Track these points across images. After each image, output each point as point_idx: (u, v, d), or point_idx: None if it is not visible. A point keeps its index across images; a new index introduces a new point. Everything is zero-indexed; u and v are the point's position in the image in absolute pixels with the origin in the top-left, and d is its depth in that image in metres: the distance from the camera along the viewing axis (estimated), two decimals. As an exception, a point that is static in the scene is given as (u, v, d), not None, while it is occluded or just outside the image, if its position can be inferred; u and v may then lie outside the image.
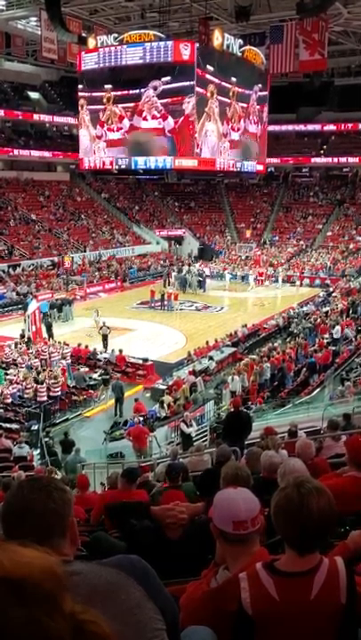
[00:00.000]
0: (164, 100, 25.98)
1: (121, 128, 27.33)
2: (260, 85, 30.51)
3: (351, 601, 1.59)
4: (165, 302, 30.14)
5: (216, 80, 26.52)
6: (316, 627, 1.59)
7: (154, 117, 26.32)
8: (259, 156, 32.11)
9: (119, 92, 27.08)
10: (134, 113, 26.75)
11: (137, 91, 26.41)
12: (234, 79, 27.87)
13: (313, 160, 50.21)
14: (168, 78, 25.69)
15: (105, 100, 27.33)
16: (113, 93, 27.13)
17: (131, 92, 26.71)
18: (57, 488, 1.28)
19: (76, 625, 0.72)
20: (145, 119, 26.54)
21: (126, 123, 27.12)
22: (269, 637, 1.60)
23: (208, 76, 26.15)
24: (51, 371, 18.32)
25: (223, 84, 27.18)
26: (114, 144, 27.73)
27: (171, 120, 26.04)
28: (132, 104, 26.83)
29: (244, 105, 29.67)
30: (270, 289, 36.15)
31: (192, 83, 25.38)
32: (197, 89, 25.54)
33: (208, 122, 26.67)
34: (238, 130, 29.15)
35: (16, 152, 43.63)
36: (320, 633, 1.59)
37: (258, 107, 30.96)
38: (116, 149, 27.79)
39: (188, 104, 25.60)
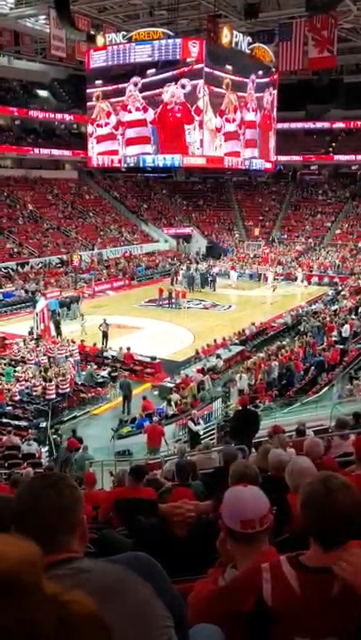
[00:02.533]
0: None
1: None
2: (259, 72, 29.99)
3: None
4: (173, 300, 30.14)
5: (208, 69, 26.21)
6: (335, 623, 1.58)
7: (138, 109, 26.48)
8: (261, 146, 31.70)
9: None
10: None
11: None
12: (229, 67, 27.33)
13: (321, 158, 49.99)
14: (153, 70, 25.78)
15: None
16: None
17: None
18: (67, 485, 1.28)
19: (61, 608, 0.73)
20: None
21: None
22: (287, 631, 1.59)
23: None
24: (58, 368, 18.38)
25: (217, 72, 26.71)
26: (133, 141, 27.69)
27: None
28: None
29: (243, 94, 29.10)
30: (282, 287, 35.92)
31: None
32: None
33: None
34: (234, 121, 28.66)
35: (36, 150, 43.82)
36: (338, 629, 1.59)
37: (256, 94, 30.39)
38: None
39: (167, 94, 25.55)
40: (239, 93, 28.00)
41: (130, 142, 27.57)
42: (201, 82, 25.38)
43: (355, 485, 1.72)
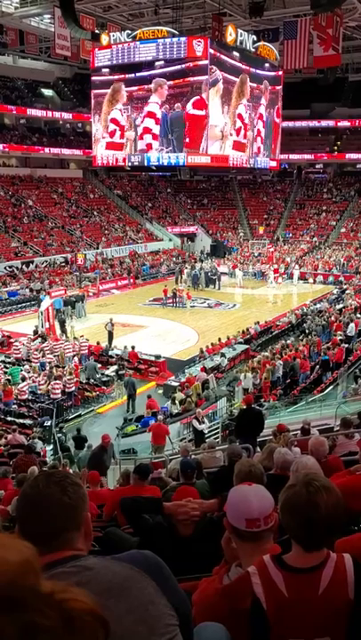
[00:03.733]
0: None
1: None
2: (265, 65, 29.68)
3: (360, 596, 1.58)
4: (177, 299, 30.15)
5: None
6: (325, 622, 1.59)
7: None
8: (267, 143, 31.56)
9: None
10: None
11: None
12: (236, 54, 27.07)
13: (326, 156, 49.88)
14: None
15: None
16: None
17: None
18: (72, 483, 1.28)
19: (60, 608, 0.73)
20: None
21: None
22: (280, 633, 1.59)
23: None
24: (63, 367, 18.41)
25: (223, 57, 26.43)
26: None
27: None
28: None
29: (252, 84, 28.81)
30: (284, 286, 35.96)
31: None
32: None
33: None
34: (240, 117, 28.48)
35: (45, 150, 43.83)
36: (329, 629, 1.59)
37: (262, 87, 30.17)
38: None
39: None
40: (250, 84, 27.80)
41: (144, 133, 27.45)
42: (206, 77, 25.26)
43: (336, 488, 1.71)
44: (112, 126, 28.13)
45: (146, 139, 27.18)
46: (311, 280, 37.20)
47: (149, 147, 27.13)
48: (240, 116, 28.05)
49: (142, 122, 27.06)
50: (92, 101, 29.16)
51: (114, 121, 27.98)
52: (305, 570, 1.62)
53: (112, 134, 28.25)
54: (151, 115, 26.73)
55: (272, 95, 30.80)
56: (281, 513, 1.72)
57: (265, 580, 1.63)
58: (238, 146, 28.28)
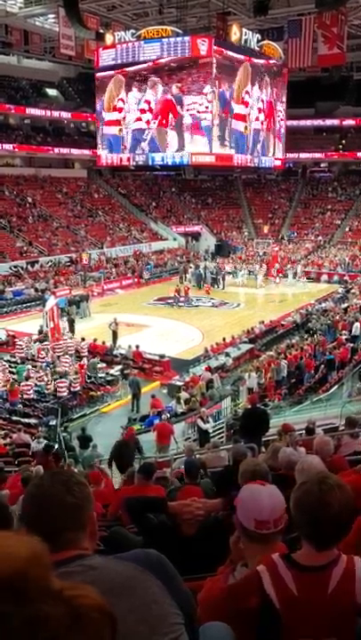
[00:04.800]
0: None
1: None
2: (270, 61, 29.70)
3: None
4: (183, 297, 30.17)
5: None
6: (333, 623, 1.58)
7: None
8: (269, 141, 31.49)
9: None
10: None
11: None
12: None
13: (331, 155, 49.78)
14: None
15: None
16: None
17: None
18: (77, 482, 1.29)
19: (69, 604, 0.74)
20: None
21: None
22: (289, 632, 1.59)
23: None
24: (72, 366, 18.48)
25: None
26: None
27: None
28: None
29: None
30: (281, 286, 35.73)
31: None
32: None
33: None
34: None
35: (54, 150, 43.83)
36: (337, 629, 1.58)
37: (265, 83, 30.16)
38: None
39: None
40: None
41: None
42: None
43: (348, 486, 1.70)
44: (119, 104, 28.08)
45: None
46: (309, 279, 37.02)
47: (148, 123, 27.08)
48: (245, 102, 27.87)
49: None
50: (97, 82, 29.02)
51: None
52: (315, 568, 1.62)
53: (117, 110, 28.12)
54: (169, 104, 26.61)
55: (275, 88, 30.62)
56: (293, 511, 1.71)
57: (275, 579, 1.62)
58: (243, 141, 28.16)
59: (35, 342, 21.21)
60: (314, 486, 1.66)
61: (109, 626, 0.77)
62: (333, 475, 1.82)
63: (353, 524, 1.67)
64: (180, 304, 29.77)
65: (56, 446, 13.00)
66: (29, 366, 18.74)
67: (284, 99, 32.15)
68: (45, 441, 13.40)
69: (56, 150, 45.31)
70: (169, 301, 30.18)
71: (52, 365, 18.82)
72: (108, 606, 0.78)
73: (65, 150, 46.01)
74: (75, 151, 46.62)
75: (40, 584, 0.72)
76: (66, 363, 18.91)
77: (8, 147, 42.48)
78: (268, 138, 30.83)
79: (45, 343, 21.05)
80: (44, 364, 19.10)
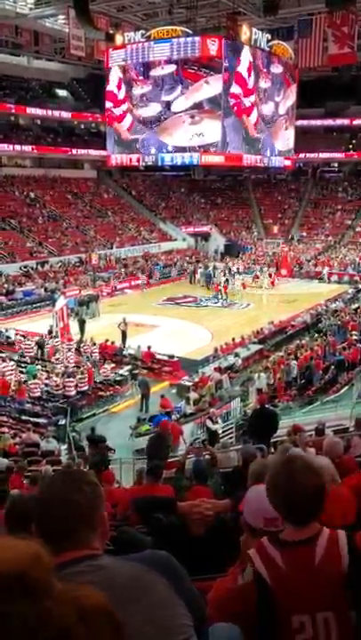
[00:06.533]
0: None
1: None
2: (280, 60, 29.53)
3: (355, 567, 1.65)
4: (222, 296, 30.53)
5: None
6: (324, 595, 1.64)
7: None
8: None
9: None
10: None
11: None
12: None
13: (341, 155, 49.56)
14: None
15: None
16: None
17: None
18: (88, 482, 1.29)
19: (72, 602, 0.75)
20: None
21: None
22: (283, 609, 1.64)
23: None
24: (78, 366, 18.52)
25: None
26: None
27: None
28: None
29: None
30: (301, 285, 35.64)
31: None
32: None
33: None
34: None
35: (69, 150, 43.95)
36: (330, 603, 1.64)
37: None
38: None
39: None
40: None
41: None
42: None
43: (316, 467, 1.80)
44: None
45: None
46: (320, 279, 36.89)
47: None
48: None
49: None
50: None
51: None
52: (298, 543, 1.69)
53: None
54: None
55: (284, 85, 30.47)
56: (267, 492, 1.80)
57: (264, 559, 1.69)
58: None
59: (49, 341, 21.30)
60: (281, 468, 1.76)
61: (113, 625, 0.78)
62: (304, 456, 1.91)
63: (324, 501, 1.75)
64: (225, 305, 29.89)
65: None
66: (39, 366, 18.83)
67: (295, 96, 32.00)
68: (54, 440, 13.45)
69: (68, 151, 45.46)
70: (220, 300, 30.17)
71: (60, 365, 18.87)
72: (110, 606, 0.79)
73: (75, 151, 46.15)
74: (84, 151, 46.75)
75: (43, 584, 0.73)
76: (71, 362, 19.01)
77: (22, 147, 42.70)
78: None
79: (56, 342, 21.12)
80: (55, 363, 19.17)
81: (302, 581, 1.63)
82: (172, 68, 26.12)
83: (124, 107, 28.23)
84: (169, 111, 26.76)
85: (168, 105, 26.75)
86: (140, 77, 27.10)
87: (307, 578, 1.64)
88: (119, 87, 28.24)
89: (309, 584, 1.63)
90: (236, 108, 26.47)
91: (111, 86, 28.40)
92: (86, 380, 17.78)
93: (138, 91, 27.58)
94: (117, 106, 28.57)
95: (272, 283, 34.50)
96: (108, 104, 28.75)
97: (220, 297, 31.02)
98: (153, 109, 27.28)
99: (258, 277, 35.24)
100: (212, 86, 25.45)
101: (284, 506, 1.72)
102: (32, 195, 42.20)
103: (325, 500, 1.76)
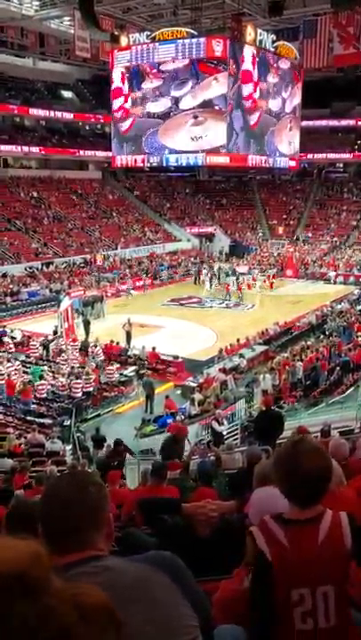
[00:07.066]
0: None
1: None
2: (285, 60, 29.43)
3: (358, 543, 1.71)
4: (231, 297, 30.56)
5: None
6: (326, 571, 1.68)
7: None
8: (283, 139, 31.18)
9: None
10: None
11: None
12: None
13: (347, 155, 49.48)
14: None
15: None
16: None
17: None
18: (94, 483, 1.29)
19: (72, 600, 0.75)
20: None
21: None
22: (284, 584, 1.67)
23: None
24: (83, 367, 18.54)
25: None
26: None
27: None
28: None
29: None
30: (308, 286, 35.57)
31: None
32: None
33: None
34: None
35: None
36: (331, 577, 1.69)
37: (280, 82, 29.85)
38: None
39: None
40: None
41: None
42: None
43: (324, 451, 1.83)
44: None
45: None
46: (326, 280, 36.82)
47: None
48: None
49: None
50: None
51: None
52: (302, 522, 1.72)
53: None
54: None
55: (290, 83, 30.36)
56: (272, 469, 1.84)
57: (267, 535, 1.72)
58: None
59: (41, 345, 21.33)
60: (289, 449, 1.79)
61: (114, 623, 0.78)
62: (312, 439, 1.94)
63: (329, 483, 1.78)
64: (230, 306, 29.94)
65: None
66: (46, 367, 18.86)
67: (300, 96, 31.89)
68: (59, 441, 13.47)
69: (73, 152, 45.57)
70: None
71: (66, 366, 18.90)
72: (111, 604, 0.79)
73: (80, 152, 46.25)
74: (89, 152, 46.85)
75: (43, 584, 0.74)
76: (76, 362, 19.04)
77: (29, 149, 42.84)
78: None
79: (61, 342, 21.15)
80: (60, 363, 19.21)
81: (305, 558, 1.68)
82: (187, 60, 26.00)
83: (129, 105, 28.15)
84: (177, 108, 26.69)
85: (177, 101, 26.65)
86: (154, 70, 26.95)
87: (310, 554, 1.68)
88: (126, 83, 28.09)
89: (312, 560, 1.68)
90: (243, 106, 26.40)
91: (117, 83, 28.28)
92: (92, 381, 17.80)
93: (148, 85, 27.46)
94: (124, 103, 28.48)
95: (270, 285, 34.22)
96: (117, 102, 28.65)
97: (229, 297, 30.93)
98: (163, 104, 27.17)
99: (254, 280, 35.13)
100: (221, 84, 25.36)
101: (290, 486, 1.75)
102: (37, 196, 42.31)
103: (329, 486, 1.80)
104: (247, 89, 26.64)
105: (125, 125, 28.40)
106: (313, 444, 1.84)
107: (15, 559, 0.74)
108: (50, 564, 0.77)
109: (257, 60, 26.37)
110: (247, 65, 26.11)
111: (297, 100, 31.40)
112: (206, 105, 25.92)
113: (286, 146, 30.98)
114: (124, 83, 27.98)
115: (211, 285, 33.63)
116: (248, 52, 25.88)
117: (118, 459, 10.82)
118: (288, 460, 1.75)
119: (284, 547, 1.69)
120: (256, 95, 27.22)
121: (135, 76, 27.65)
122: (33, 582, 0.72)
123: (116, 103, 28.52)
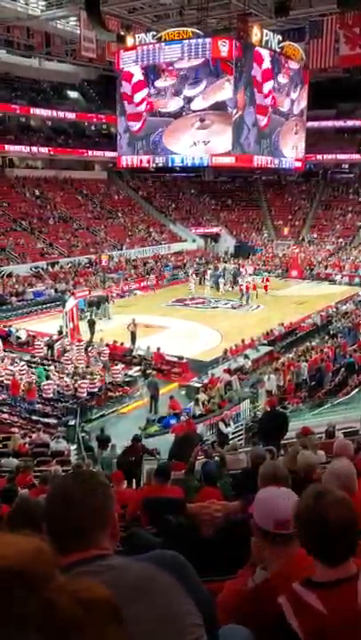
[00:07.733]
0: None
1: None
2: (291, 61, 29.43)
3: None
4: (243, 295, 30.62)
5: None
6: None
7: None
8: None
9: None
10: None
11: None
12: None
13: (353, 156, 49.35)
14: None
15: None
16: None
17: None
18: (99, 482, 1.29)
19: (75, 595, 0.74)
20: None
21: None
22: None
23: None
24: (87, 366, 18.57)
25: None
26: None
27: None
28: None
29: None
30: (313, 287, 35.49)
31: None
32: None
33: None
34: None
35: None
36: None
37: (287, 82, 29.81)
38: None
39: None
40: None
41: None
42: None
43: (349, 499, 1.64)
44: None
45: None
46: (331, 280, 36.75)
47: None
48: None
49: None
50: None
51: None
52: (336, 582, 1.56)
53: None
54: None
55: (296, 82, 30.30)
56: (296, 528, 1.68)
57: (298, 606, 1.55)
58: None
59: (46, 345, 21.37)
60: (311, 504, 1.61)
61: (117, 619, 0.78)
62: (334, 488, 1.76)
63: (357, 539, 1.60)
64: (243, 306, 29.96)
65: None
66: (51, 367, 18.89)
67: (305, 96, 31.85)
68: (64, 441, 13.49)
69: (79, 152, 45.65)
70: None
71: (70, 366, 18.92)
72: (113, 599, 0.78)
73: (86, 152, 46.34)
74: (95, 153, 46.92)
75: (45, 578, 0.73)
76: (81, 362, 19.06)
77: (38, 149, 42.95)
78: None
79: (66, 342, 21.18)
80: (65, 363, 19.24)
81: (346, 623, 1.50)
82: (203, 58, 25.97)
83: (140, 103, 28.10)
84: (189, 108, 26.67)
85: (190, 100, 26.64)
86: (170, 68, 26.92)
87: (351, 619, 1.50)
88: (139, 82, 28.03)
89: (353, 624, 1.50)
90: (255, 103, 26.38)
91: (138, 77, 28.20)
92: (98, 381, 17.81)
93: (161, 83, 27.43)
94: (131, 103, 28.43)
95: (265, 288, 34.03)
96: (139, 96, 28.56)
97: (247, 298, 30.96)
98: (176, 103, 27.15)
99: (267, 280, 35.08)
100: (233, 86, 25.37)
101: (319, 544, 1.58)
102: (43, 196, 42.39)
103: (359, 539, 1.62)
104: (266, 87, 26.64)
105: (137, 125, 28.37)
106: (337, 494, 1.64)
107: (17, 555, 0.74)
108: (52, 560, 0.77)
109: (270, 59, 26.40)
110: (266, 64, 26.12)
111: (304, 102, 31.38)
112: (218, 107, 25.87)
113: (290, 150, 30.91)
114: (145, 78, 27.88)
115: (219, 287, 33.54)
116: (265, 51, 25.89)
117: (135, 455, 10.82)
118: (312, 516, 1.58)
119: (320, 613, 1.52)
120: (269, 97, 27.27)
121: (152, 72, 27.60)
122: (34, 578, 0.72)
123: (138, 96, 28.25)
